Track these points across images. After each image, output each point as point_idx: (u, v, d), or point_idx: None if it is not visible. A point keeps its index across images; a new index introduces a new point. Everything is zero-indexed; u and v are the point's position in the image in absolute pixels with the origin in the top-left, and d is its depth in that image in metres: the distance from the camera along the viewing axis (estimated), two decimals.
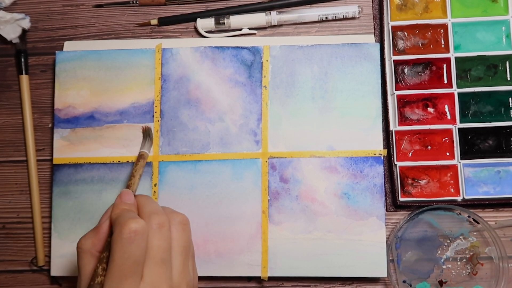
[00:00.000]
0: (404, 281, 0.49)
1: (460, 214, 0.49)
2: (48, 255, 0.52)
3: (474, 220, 0.49)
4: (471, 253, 0.49)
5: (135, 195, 0.43)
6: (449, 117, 0.50)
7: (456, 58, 0.50)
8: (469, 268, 0.49)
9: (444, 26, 0.50)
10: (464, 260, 0.49)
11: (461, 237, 0.49)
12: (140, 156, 0.47)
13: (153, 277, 0.38)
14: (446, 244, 0.49)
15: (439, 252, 0.49)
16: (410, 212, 0.50)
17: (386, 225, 0.50)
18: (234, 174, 0.50)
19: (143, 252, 0.37)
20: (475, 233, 0.49)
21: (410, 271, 0.49)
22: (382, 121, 0.51)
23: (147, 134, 0.49)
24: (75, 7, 0.55)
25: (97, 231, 0.41)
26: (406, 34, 0.51)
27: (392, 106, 0.51)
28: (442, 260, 0.49)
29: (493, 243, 0.48)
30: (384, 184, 0.50)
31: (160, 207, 0.41)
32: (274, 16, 0.52)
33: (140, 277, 0.37)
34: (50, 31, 0.55)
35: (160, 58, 0.52)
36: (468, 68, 0.50)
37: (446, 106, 0.50)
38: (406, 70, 0.51)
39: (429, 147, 0.50)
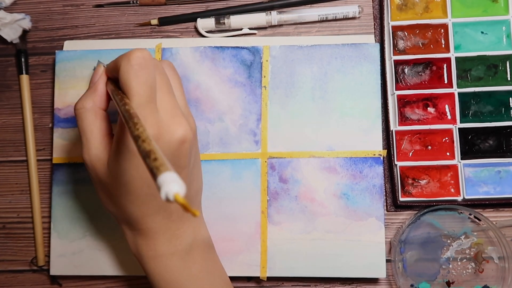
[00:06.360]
0: (412, 285, 0.49)
1: (461, 213, 0.49)
2: (48, 255, 0.52)
3: (475, 217, 0.49)
4: (476, 251, 0.49)
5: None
6: (449, 117, 0.50)
7: (456, 58, 0.50)
8: (474, 265, 0.49)
9: (445, 26, 0.50)
10: (469, 258, 0.49)
11: (463, 236, 0.49)
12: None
13: (166, 104, 0.38)
14: (450, 244, 0.49)
15: (443, 252, 0.49)
16: (410, 214, 0.50)
17: (386, 225, 0.50)
18: (233, 174, 0.50)
19: (154, 79, 0.37)
20: (477, 232, 0.49)
21: (417, 275, 0.49)
22: (382, 121, 0.51)
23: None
24: (75, 7, 0.55)
25: (93, 90, 0.41)
26: (406, 34, 0.51)
27: (392, 106, 0.51)
28: (447, 261, 0.49)
29: (496, 240, 0.48)
30: (384, 184, 0.50)
31: None
32: (274, 16, 0.52)
33: (156, 105, 0.37)
34: (50, 31, 0.55)
35: (160, 58, 0.52)
36: (469, 68, 0.50)
37: (446, 106, 0.50)
38: (406, 70, 0.50)
39: (429, 147, 0.50)
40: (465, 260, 0.49)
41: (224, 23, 0.52)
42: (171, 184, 0.25)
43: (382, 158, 0.49)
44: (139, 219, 0.41)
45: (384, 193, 0.51)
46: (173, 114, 0.38)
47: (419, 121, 0.50)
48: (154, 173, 0.26)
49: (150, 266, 0.42)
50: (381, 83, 0.50)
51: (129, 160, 0.37)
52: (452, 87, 0.50)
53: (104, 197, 0.42)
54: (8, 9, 0.55)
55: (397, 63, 0.50)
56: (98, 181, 0.41)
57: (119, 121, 0.38)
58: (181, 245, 0.42)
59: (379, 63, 0.50)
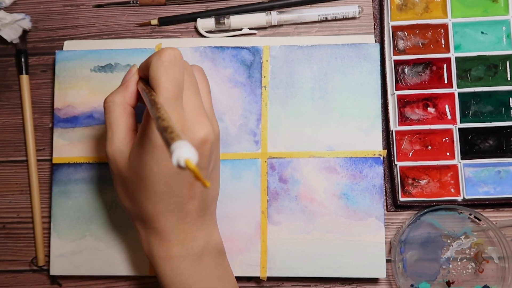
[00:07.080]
0: (412, 285, 0.49)
1: (461, 213, 0.49)
2: (48, 255, 0.52)
3: (475, 217, 0.49)
4: (476, 251, 0.49)
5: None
6: (449, 117, 0.50)
7: (456, 58, 0.50)
8: (474, 265, 0.49)
9: (445, 26, 0.50)
10: (469, 258, 0.49)
11: (463, 236, 0.49)
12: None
13: (192, 104, 0.39)
14: (450, 244, 0.49)
15: (443, 252, 0.49)
16: (411, 214, 0.50)
17: (386, 225, 0.50)
18: (233, 174, 0.50)
19: (183, 77, 0.38)
20: (477, 232, 0.49)
21: (417, 275, 0.49)
22: (382, 121, 0.51)
23: None
24: (75, 7, 0.55)
25: (125, 86, 0.42)
26: (406, 34, 0.51)
27: (392, 106, 0.51)
28: (447, 260, 0.49)
29: (496, 240, 0.48)
30: (384, 184, 0.50)
31: None
32: (274, 16, 0.52)
33: (181, 103, 0.38)
34: (50, 31, 0.55)
35: None
36: (469, 68, 0.50)
37: (446, 106, 0.50)
38: (406, 70, 0.50)
39: (429, 147, 0.50)
40: (465, 260, 0.49)
41: (224, 23, 0.52)
42: (183, 150, 0.25)
43: (382, 158, 0.49)
44: (154, 217, 0.41)
45: (384, 193, 0.51)
46: (198, 114, 0.39)
47: (419, 121, 0.50)
48: (168, 143, 0.26)
49: (161, 266, 0.42)
50: (381, 83, 0.50)
51: (150, 154, 0.38)
52: (452, 87, 0.50)
53: (121, 192, 0.42)
54: (8, 9, 0.55)
55: (397, 63, 0.50)
56: (118, 175, 0.41)
57: (145, 115, 0.39)
58: (193, 249, 0.42)
59: (379, 63, 0.50)
